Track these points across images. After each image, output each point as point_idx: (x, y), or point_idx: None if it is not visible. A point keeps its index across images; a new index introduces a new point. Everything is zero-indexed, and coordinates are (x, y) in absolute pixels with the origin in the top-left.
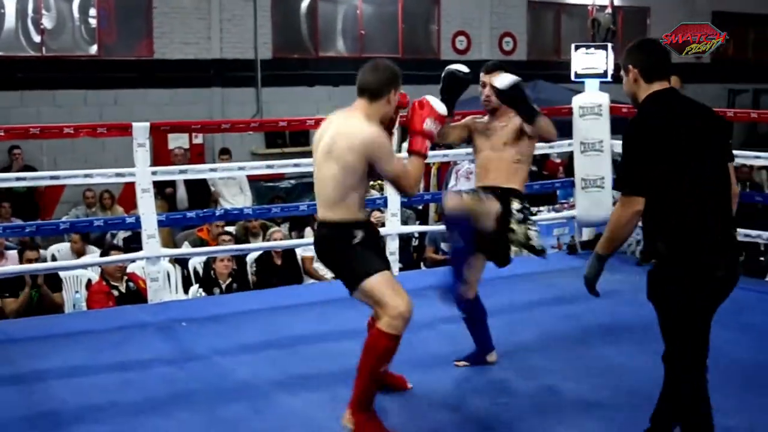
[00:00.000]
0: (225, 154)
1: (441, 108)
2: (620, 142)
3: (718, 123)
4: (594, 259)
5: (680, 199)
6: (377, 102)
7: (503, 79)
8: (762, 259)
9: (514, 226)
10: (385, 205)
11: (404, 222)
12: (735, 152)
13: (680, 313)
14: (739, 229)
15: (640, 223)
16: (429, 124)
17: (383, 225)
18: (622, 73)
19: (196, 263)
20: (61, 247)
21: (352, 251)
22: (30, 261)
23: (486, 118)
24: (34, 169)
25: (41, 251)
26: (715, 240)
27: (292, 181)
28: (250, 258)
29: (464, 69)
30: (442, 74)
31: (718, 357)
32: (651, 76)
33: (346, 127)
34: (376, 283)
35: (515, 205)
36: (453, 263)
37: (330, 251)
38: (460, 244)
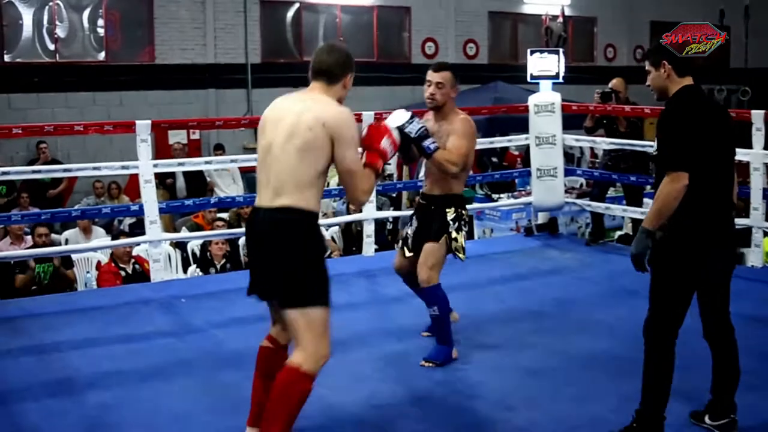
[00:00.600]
0: (219, 149)
1: (396, 134)
2: (571, 136)
3: (731, 120)
4: (642, 234)
5: (707, 181)
6: (334, 86)
7: (396, 118)
8: None
9: (455, 234)
10: None
11: (379, 208)
12: None
13: (675, 278)
14: None
15: (588, 207)
16: (385, 144)
17: (360, 211)
18: (648, 67)
19: (193, 246)
20: (73, 233)
21: (315, 262)
22: (40, 236)
23: (431, 116)
24: (59, 163)
25: (54, 236)
26: (724, 227)
27: None
28: (242, 241)
29: (402, 120)
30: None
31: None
32: (683, 71)
33: (314, 103)
34: (323, 317)
35: (450, 214)
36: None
37: (287, 246)
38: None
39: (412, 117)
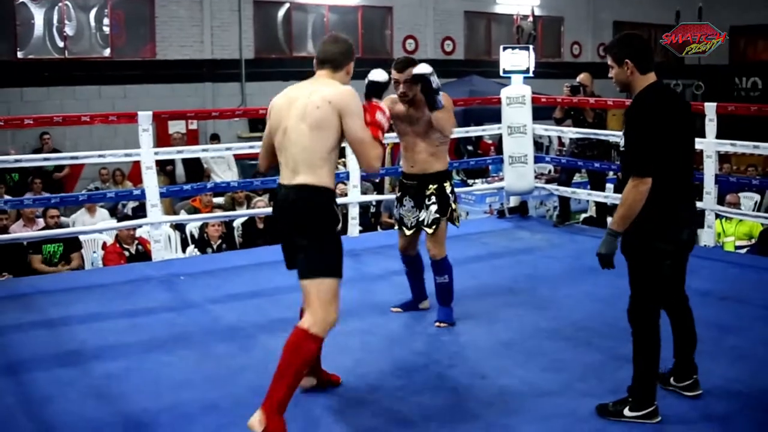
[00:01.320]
0: (214, 139)
1: (386, 110)
2: (540, 126)
3: (692, 113)
4: (611, 236)
5: (671, 177)
6: (338, 73)
7: (422, 68)
8: None
9: (453, 206)
10: (348, 178)
11: (363, 192)
12: None
13: (651, 265)
14: None
15: (556, 192)
16: (379, 117)
17: (345, 195)
18: (611, 63)
19: (192, 228)
20: (79, 213)
21: (329, 236)
22: (52, 218)
23: (401, 105)
24: (59, 152)
25: (63, 218)
26: (689, 211)
27: None
28: (237, 223)
29: (382, 77)
30: (366, 81)
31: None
32: (645, 67)
33: (321, 85)
34: (333, 286)
35: (448, 188)
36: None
37: (305, 220)
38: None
39: (433, 71)
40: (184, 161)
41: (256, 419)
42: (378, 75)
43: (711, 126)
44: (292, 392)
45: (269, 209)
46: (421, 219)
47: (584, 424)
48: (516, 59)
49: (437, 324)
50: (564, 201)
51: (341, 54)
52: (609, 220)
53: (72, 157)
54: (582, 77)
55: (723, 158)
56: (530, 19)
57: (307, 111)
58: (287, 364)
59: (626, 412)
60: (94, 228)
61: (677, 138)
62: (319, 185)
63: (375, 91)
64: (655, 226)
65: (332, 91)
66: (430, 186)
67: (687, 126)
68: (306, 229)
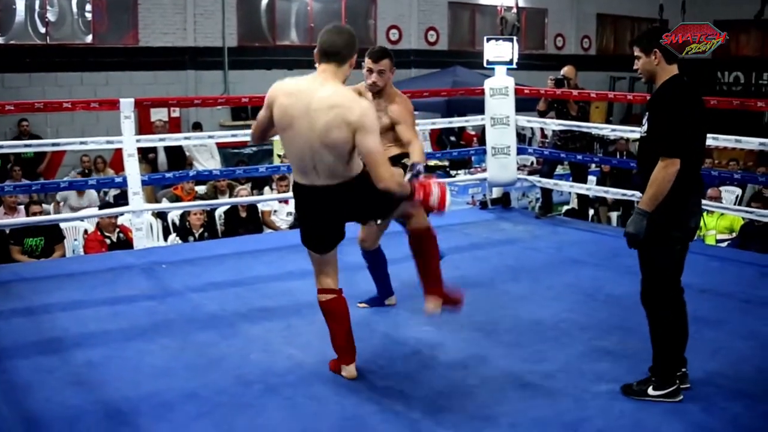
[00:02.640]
0: (197, 128)
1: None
2: (523, 117)
3: (707, 108)
4: (638, 215)
5: (688, 166)
6: (344, 66)
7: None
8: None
9: None
10: None
11: None
12: (615, 128)
13: (665, 250)
14: (617, 189)
15: (538, 183)
16: (436, 201)
17: None
18: (639, 53)
19: (173, 216)
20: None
21: (376, 191)
22: (35, 214)
23: (369, 94)
24: (39, 138)
25: (45, 206)
26: (698, 200)
27: (254, 148)
28: (219, 211)
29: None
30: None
31: (599, 291)
32: (671, 57)
33: (335, 97)
34: (404, 207)
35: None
36: None
37: (357, 196)
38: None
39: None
40: (166, 149)
41: (430, 304)
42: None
43: None
44: (439, 269)
45: (252, 198)
46: None
47: (565, 414)
48: (500, 50)
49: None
50: (546, 192)
51: (346, 47)
52: (591, 212)
53: (53, 144)
54: (566, 70)
55: (705, 152)
56: (514, 10)
57: (328, 133)
58: (430, 253)
59: (650, 391)
60: (75, 215)
61: (697, 128)
62: (354, 175)
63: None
64: (670, 212)
65: (352, 112)
66: None
67: (704, 119)
68: (362, 203)
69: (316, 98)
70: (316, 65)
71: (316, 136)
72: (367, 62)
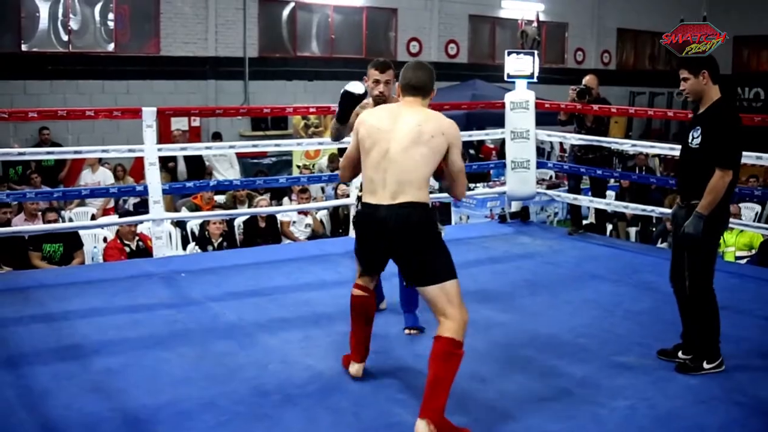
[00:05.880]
0: (216, 137)
1: None
2: (543, 131)
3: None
4: (697, 218)
5: (735, 174)
6: (428, 98)
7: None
8: (653, 229)
9: None
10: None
11: None
12: (635, 143)
13: (711, 249)
14: (636, 204)
15: (558, 198)
16: None
17: (348, 196)
18: (687, 75)
19: (192, 225)
20: (79, 210)
21: (440, 244)
22: (50, 222)
23: (371, 104)
24: (60, 146)
25: (62, 212)
26: (729, 208)
27: (273, 159)
28: (238, 221)
29: (359, 89)
30: (341, 92)
31: (618, 307)
32: (717, 77)
33: (428, 115)
34: (457, 288)
35: None
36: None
37: (417, 235)
38: None
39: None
40: (186, 158)
41: (422, 428)
42: (355, 87)
43: None
44: (446, 398)
45: (271, 208)
46: None
47: (583, 430)
48: (520, 64)
49: (406, 331)
50: (575, 208)
51: (431, 81)
52: (609, 227)
53: (75, 152)
54: (588, 79)
55: None
56: (535, 24)
57: (422, 139)
58: (443, 375)
59: (705, 365)
60: (95, 223)
61: (743, 145)
62: (425, 201)
63: (350, 102)
64: (718, 215)
65: (444, 124)
66: None
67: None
68: (420, 241)
69: (408, 113)
70: (399, 99)
71: (411, 140)
72: (374, 73)
